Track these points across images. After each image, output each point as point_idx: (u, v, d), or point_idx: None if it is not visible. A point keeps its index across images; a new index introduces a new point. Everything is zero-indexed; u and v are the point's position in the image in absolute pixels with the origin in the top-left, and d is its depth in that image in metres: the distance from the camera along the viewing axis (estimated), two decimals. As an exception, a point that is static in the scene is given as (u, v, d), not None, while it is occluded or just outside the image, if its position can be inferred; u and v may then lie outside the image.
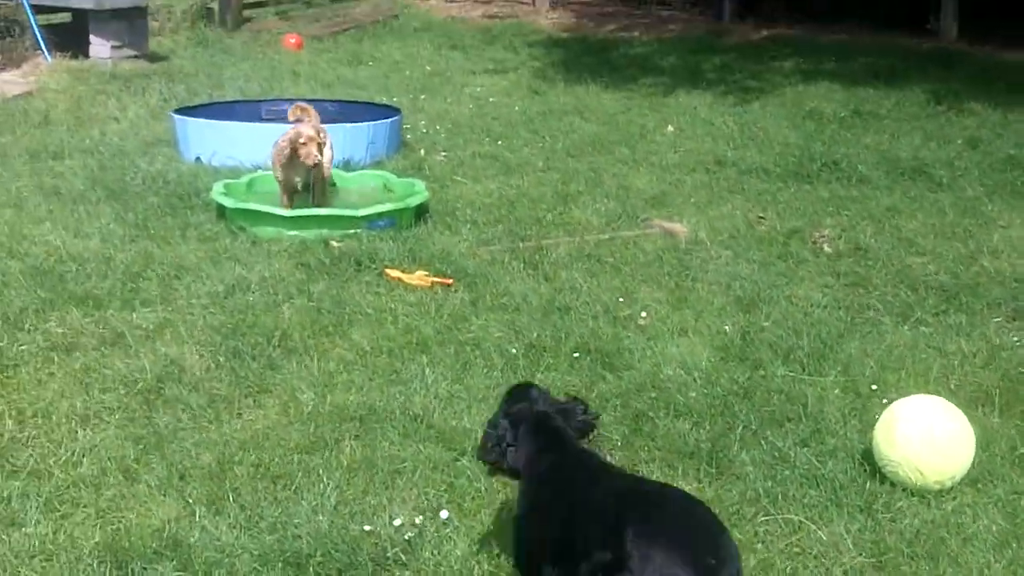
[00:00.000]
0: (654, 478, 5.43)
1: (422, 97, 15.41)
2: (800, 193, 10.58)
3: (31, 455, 5.53)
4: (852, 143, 12.62)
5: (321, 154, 9.01)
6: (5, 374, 6.36)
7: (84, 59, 16.10)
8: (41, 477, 5.33)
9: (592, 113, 14.34)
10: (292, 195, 9.18)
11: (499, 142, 12.62)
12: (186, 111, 11.89)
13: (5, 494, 5.17)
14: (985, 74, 16.05)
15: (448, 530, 4.94)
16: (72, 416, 5.90)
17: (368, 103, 13.47)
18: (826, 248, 8.90)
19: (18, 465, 5.42)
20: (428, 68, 17.63)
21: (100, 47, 16.36)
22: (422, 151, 12.07)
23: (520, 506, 4.28)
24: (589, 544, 3.61)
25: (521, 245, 8.70)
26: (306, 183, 9.33)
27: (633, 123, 13.81)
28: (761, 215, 9.71)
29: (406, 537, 4.88)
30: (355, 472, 5.41)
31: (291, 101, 12.19)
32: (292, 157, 9.01)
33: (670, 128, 13.47)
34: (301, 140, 8.96)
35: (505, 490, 5.26)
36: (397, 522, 4.98)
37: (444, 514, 5.05)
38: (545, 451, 4.28)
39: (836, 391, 6.36)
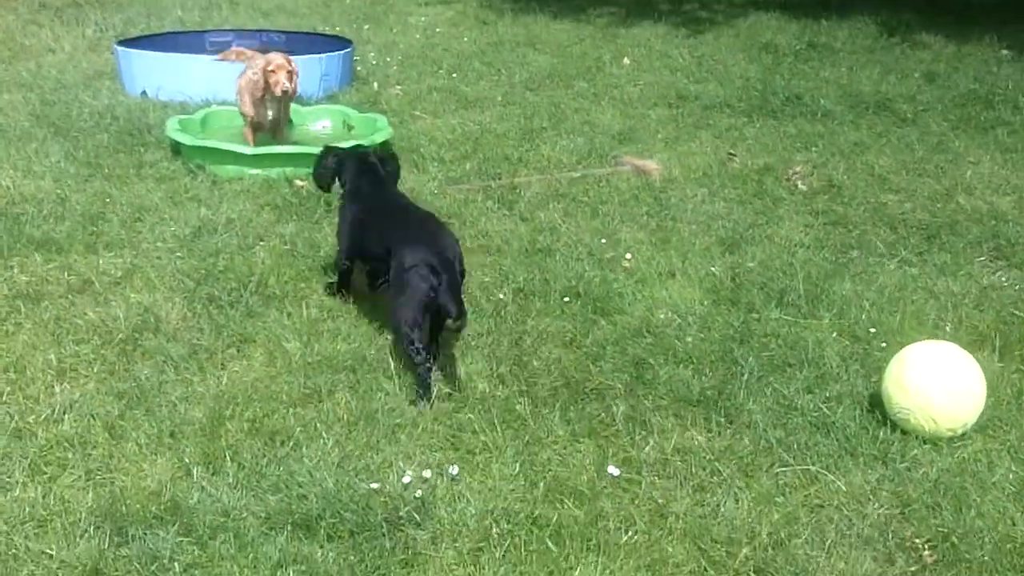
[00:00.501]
0: (664, 429, 5.39)
1: (366, 27, 15.13)
2: (766, 128, 10.46)
3: (8, 413, 5.28)
4: (811, 77, 12.48)
5: (291, 83, 8.65)
6: (-31, 328, 5.95)
7: (11, -12, 15.61)
8: (22, 436, 5.10)
9: (544, 45, 14.12)
10: (256, 131, 8.81)
11: (454, 75, 12.36)
12: (129, 43, 11.46)
13: (-17, 459, 4.84)
14: (933, 6, 15.95)
15: (460, 487, 4.79)
16: (47, 370, 5.64)
17: (316, 34, 13.14)
18: (800, 185, 8.77)
19: (-6, 426, 5.10)
20: (369, -4, 17.21)
21: (28, -25, 15.86)
22: (375, 84, 11.80)
23: (343, 220, 6.52)
24: (378, 244, 6.04)
25: (494, 184, 8.45)
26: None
27: (588, 55, 13.59)
28: (731, 152, 9.58)
29: (417, 495, 4.71)
30: (354, 426, 5.21)
31: (235, 32, 11.88)
32: (262, 90, 8.65)
33: (626, 61, 13.29)
34: (270, 68, 8.61)
35: (515, 443, 5.12)
36: (406, 479, 4.77)
37: (454, 469, 4.89)
38: (363, 182, 6.58)
39: (833, 335, 6.24)
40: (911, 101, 11.42)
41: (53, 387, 5.50)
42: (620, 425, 5.30)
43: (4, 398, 5.39)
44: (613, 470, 4.88)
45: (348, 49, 11.45)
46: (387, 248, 5.82)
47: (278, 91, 8.55)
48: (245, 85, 8.69)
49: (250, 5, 16.00)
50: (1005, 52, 13.54)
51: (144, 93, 10.52)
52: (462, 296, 5.60)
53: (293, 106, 9.55)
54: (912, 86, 12.00)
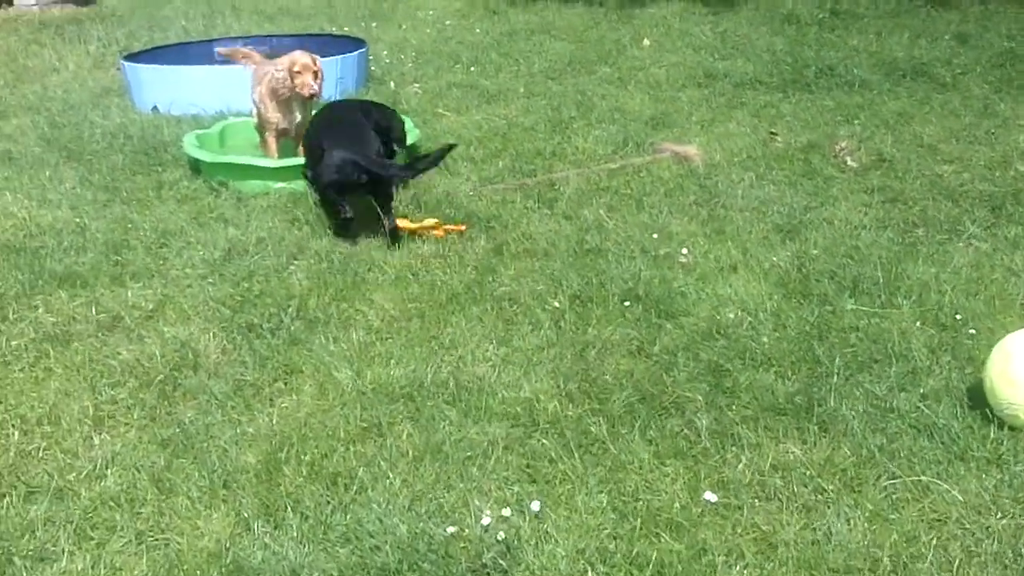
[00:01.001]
0: (755, 443, 4.99)
1: (374, 25, 14.71)
2: (803, 103, 10.04)
3: (46, 471, 4.85)
4: (840, 46, 12.07)
5: (317, 84, 8.18)
6: (-1, 375, 5.51)
7: (8, 7, 15.19)
8: (63, 497, 4.66)
9: (560, 31, 13.70)
10: (281, 137, 8.34)
11: (471, 69, 11.96)
12: (135, 57, 11.01)
13: (27, 521, 4.48)
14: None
15: (545, 525, 4.35)
16: (83, 419, 5.22)
17: (327, 35, 12.69)
18: (850, 162, 8.34)
19: (34, 485, 4.73)
20: (372, -7, 16.77)
21: (25, -7, 15.43)
22: (392, 84, 11.38)
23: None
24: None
25: (530, 182, 8.00)
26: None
27: (606, 39, 13.16)
28: (772, 131, 9.16)
29: (500, 537, 4.28)
30: (420, 462, 4.79)
31: (243, 39, 11.46)
32: (288, 92, 8.18)
33: (646, 42, 12.86)
34: (296, 68, 8.12)
35: (597, 469, 4.76)
36: (485, 520, 4.30)
37: (535, 505, 4.46)
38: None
39: (917, 324, 5.81)
40: (947, 65, 11.00)
41: (92, 438, 5.08)
42: (707, 442, 4.87)
43: (41, 454, 4.95)
44: (710, 496, 4.45)
45: (363, 49, 11.02)
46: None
47: (306, 92, 8.06)
48: (267, 91, 8.18)
49: (253, 10, 15.59)
50: (1036, 7, 12.98)
51: (155, 109, 10.11)
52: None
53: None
54: (945, 49, 11.58)
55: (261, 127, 8.39)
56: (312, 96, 8.16)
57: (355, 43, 11.45)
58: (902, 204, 7.56)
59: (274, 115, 8.27)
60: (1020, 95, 9.95)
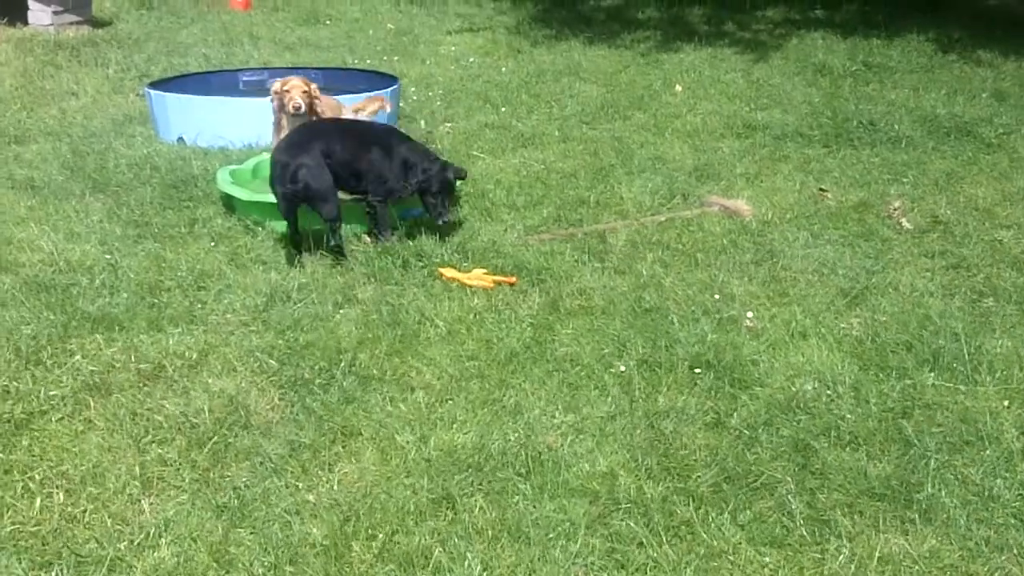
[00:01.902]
0: (853, 532, 4.68)
1: (395, 59, 14.40)
2: (848, 159, 9.81)
3: (94, 538, 4.52)
4: (878, 100, 11.82)
5: (306, 101, 8.05)
6: (35, 426, 5.30)
7: (23, 27, 14.83)
8: (117, 570, 4.29)
9: (588, 74, 13.44)
10: None
11: (502, 109, 11.67)
12: (159, 85, 10.66)
13: (82, 600, 4.05)
14: (979, 20, 15.34)
15: None
16: (130, 480, 4.88)
17: (355, 69, 12.38)
18: (905, 224, 8.08)
19: (83, 554, 4.39)
20: (391, 27, 16.66)
21: (40, 13, 15.20)
22: (423, 122, 11.08)
23: None
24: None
25: (578, 232, 7.68)
26: None
27: (636, 83, 12.92)
28: (822, 187, 8.89)
29: None
30: (497, 541, 4.48)
31: (269, 70, 11.21)
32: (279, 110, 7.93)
33: (678, 88, 12.60)
34: (286, 87, 8.13)
35: (689, 556, 4.46)
36: None
37: (627, 594, 4.02)
38: None
39: (1004, 403, 5.52)
40: (989, 124, 10.75)
41: (140, 502, 4.76)
42: (803, 529, 4.54)
43: (87, 518, 4.62)
44: (818, 593, 4.05)
45: (396, 86, 10.68)
46: None
47: (290, 108, 7.77)
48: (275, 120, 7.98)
49: (272, 39, 15.31)
50: (1067, 67, 12.79)
51: (181, 139, 9.80)
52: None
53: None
54: (984, 107, 11.37)
55: None
56: (296, 109, 8.10)
57: (387, 79, 11.06)
58: (965, 271, 7.29)
59: (272, 140, 8.03)
60: (1069, 159, 9.62)
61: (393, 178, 7.35)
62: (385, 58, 14.50)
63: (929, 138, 10.40)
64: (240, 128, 9.68)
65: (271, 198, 7.51)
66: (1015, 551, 4.45)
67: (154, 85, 10.70)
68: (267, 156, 8.65)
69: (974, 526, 4.62)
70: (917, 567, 4.36)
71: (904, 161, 9.69)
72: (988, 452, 5.13)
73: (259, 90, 10.49)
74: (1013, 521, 4.66)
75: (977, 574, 4.36)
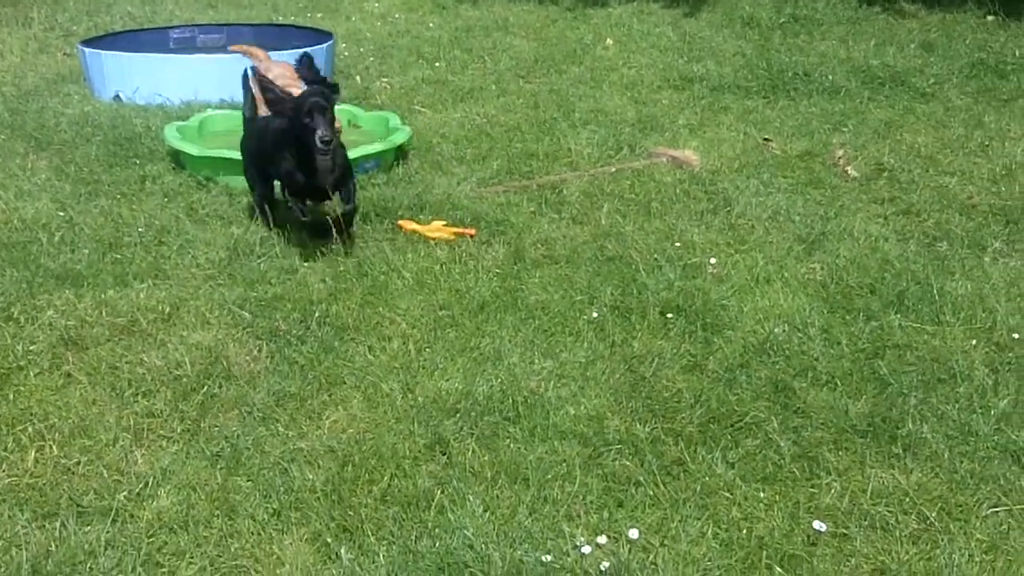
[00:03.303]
0: (841, 468, 4.80)
1: (319, 16, 14.35)
2: (788, 110, 9.97)
3: (93, 489, 4.53)
4: (809, 51, 12.03)
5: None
6: (15, 381, 5.31)
7: (-63, -13, 14.60)
8: (120, 519, 4.33)
9: (517, 28, 13.51)
10: None
11: (437, 64, 11.72)
12: (91, 43, 10.54)
13: (88, 547, 4.12)
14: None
15: (650, 556, 4.04)
16: (120, 432, 4.89)
17: (287, 26, 12.33)
18: (851, 172, 8.23)
19: (84, 505, 4.38)
20: (312, -18, 16.40)
21: (-45, -28, 14.85)
22: (358, 78, 11.09)
23: None
24: None
25: (534, 186, 7.77)
26: None
27: (567, 38, 12.99)
28: (767, 137, 8.99)
29: (603, 567, 3.99)
30: (495, 483, 4.51)
31: (199, 27, 11.11)
32: None
33: (610, 42, 12.69)
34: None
35: (687, 493, 4.59)
36: (586, 549, 4.01)
37: (633, 533, 4.18)
38: None
39: (972, 343, 5.63)
40: (921, 74, 10.98)
41: (134, 453, 4.78)
42: (792, 466, 4.62)
43: (82, 470, 4.60)
44: (819, 525, 4.17)
45: (330, 41, 10.65)
46: None
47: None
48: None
49: (193, -6, 15.08)
50: (990, 18, 13.08)
51: (117, 97, 9.71)
52: None
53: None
54: (914, 58, 11.60)
55: None
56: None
57: (320, 35, 11.03)
58: (915, 216, 7.45)
59: None
60: (1004, 108, 9.91)
61: None
62: (309, 15, 14.48)
63: (864, 88, 10.55)
64: (178, 85, 9.58)
65: (222, 153, 7.45)
66: (1000, 482, 4.58)
67: (87, 43, 10.54)
68: (211, 113, 8.61)
69: (958, 460, 4.73)
70: (908, 498, 4.46)
71: (842, 111, 9.83)
72: (962, 389, 5.26)
73: (189, 47, 10.41)
74: (995, 453, 4.79)
75: (966, 504, 4.46)
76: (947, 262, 6.64)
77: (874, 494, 4.52)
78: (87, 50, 10.17)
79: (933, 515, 4.40)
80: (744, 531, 4.28)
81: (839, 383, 5.30)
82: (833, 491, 4.54)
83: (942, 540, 4.25)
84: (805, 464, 4.72)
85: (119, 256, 6.61)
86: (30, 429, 4.92)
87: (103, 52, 10.05)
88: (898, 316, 5.96)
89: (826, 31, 12.95)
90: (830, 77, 10.77)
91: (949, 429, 4.95)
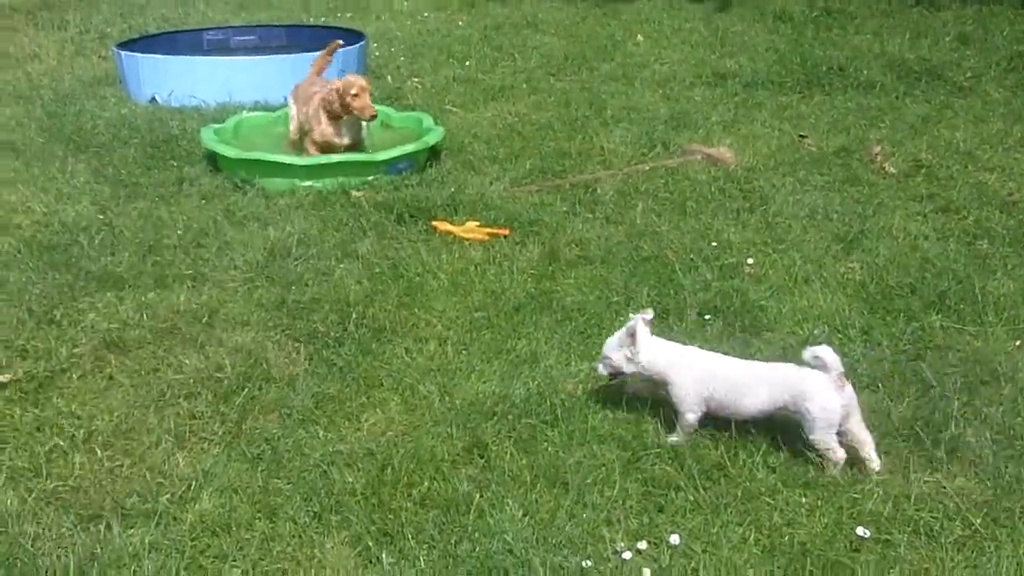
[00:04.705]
0: (880, 471, 4.72)
1: (348, 15, 14.36)
2: (823, 105, 9.90)
3: (136, 491, 4.55)
4: (842, 45, 11.96)
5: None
6: (59, 384, 5.34)
7: (-25, -8, 14.69)
8: (163, 522, 4.34)
9: (547, 25, 13.49)
10: (324, 152, 8.02)
11: (467, 63, 11.72)
12: (128, 46, 10.57)
13: (132, 550, 4.13)
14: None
15: (692, 562, 4.01)
16: (163, 435, 4.92)
17: (318, 27, 12.37)
18: (889, 168, 8.15)
19: (128, 507, 4.41)
20: (341, -18, 16.41)
21: (-9, -23, 14.94)
22: (389, 78, 11.09)
23: None
24: None
25: (567, 185, 7.73)
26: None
27: (597, 34, 12.98)
28: (802, 134, 8.93)
29: (644, 573, 3.93)
30: (534, 487, 4.50)
31: (232, 29, 11.17)
32: (341, 111, 7.87)
33: (640, 38, 12.60)
34: (353, 91, 7.84)
35: (727, 499, 4.54)
36: (627, 555, 3.98)
37: (675, 539, 4.14)
38: None
39: (1016, 343, 5.64)
40: (958, 67, 10.89)
41: (175, 456, 4.80)
42: (834, 470, 4.50)
43: (126, 472, 4.63)
44: (862, 531, 4.12)
45: (363, 42, 10.65)
46: None
47: (367, 115, 7.79)
48: (317, 108, 7.88)
49: (224, -2, 15.12)
50: (1026, 10, 12.92)
51: (153, 99, 9.72)
52: None
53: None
54: (950, 51, 11.52)
55: (304, 136, 8.05)
56: (373, 118, 7.87)
57: (353, 35, 11.03)
58: (955, 214, 7.38)
59: (327, 129, 7.91)
60: (1043, 102, 9.74)
61: None
62: (339, 15, 14.49)
63: (900, 82, 10.49)
64: (213, 87, 9.60)
65: (258, 155, 7.46)
66: (1045, 488, 4.48)
67: (123, 46, 10.57)
68: (248, 115, 8.63)
69: (1003, 464, 4.67)
70: (952, 504, 4.40)
71: (878, 106, 9.77)
72: (1006, 391, 5.21)
73: (224, 49, 10.44)
74: (1043, 460, 4.68)
75: (1012, 510, 4.40)
76: (988, 261, 6.56)
77: (918, 500, 4.46)
78: (123, 53, 10.17)
79: (978, 521, 4.33)
80: (786, 537, 4.24)
81: (881, 385, 5.24)
82: (876, 496, 4.48)
83: (988, 547, 4.18)
84: (847, 468, 4.62)
85: (158, 258, 6.64)
86: (74, 432, 4.93)
87: (139, 55, 10.06)
88: (939, 316, 5.89)
89: (860, 25, 12.85)
90: (865, 72, 10.67)
91: (993, 433, 4.89)
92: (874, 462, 4.63)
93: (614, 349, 4.99)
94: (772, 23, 13.03)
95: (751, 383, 4.82)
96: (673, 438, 4.86)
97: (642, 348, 4.91)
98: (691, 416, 4.87)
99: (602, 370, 5.05)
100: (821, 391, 4.62)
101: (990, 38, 11.91)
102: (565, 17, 13.74)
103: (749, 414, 4.83)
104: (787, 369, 4.82)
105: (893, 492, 4.50)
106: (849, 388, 4.58)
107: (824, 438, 4.60)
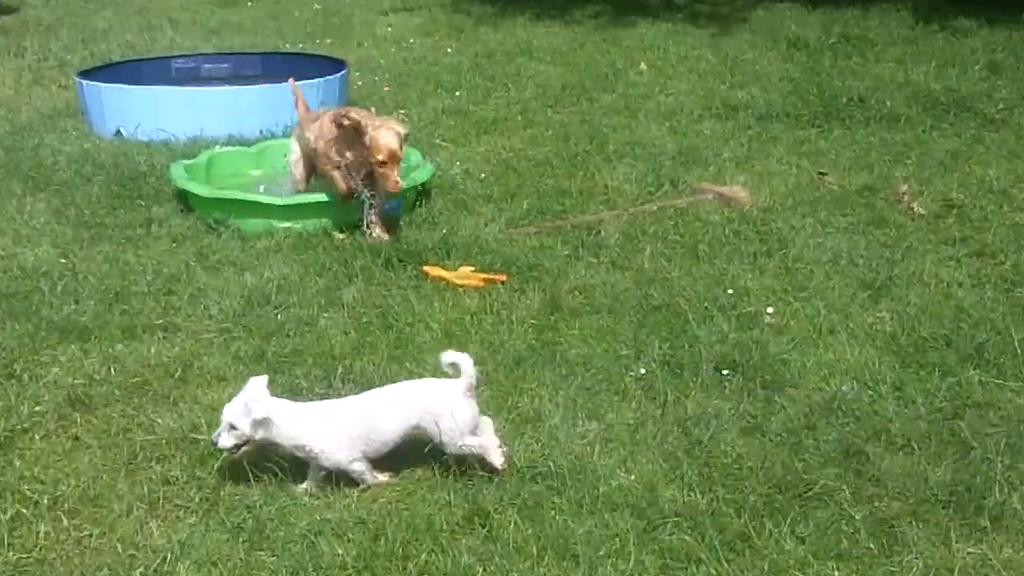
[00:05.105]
0: (921, 543, 4.69)
1: (328, 41, 14.37)
2: (843, 140, 9.93)
3: (106, 565, 4.51)
4: (862, 75, 12.01)
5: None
6: (20, 445, 5.31)
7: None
8: (135, 598, 4.19)
9: (542, 53, 13.54)
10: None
11: (457, 93, 11.76)
12: (89, 75, 10.56)
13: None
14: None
15: None
16: (134, 502, 4.88)
17: (294, 54, 12.36)
18: (918, 209, 8.17)
19: (98, 585, 4.27)
20: (318, 6, 16.56)
21: (-57, 3, 14.97)
22: (373, 109, 10.95)
23: None
24: None
25: (568, 227, 7.73)
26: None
27: (596, 62, 13.03)
28: (822, 171, 8.95)
29: None
30: (541, 560, 4.45)
31: (203, 56, 11.21)
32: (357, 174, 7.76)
33: (643, 66, 12.64)
34: (380, 157, 7.55)
35: (752, 573, 4.48)
36: None
37: (696, 619, 4.03)
38: None
39: (1061, 401, 5.48)
40: (988, 98, 10.91)
41: (148, 524, 4.75)
42: (869, 542, 4.55)
43: (94, 543, 4.59)
44: (905, 611, 4.08)
45: (344, 71, 10.65)
46: None
47: (392, 189, 7.55)
48: (334, 171, 7.76)
49: (192, 23, 15.32)
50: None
51: (119, 132, 9.71)
52: None
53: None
54: (980, 80, 11.57)
55: (324, 166, 7.90)
56: (396, 192, 7.67)
57: (333, 63, 11.04)
58: (991, 258, 7.39)
59: (337, 158, 7.78)
60: (1080, 136, 9.77)
61: None
62: (318, 40, 14.54)
63: (926, 115, 10.52)
64: (183, 119, 9.60)
65: (234, 195, 7.44)
66: (1100, 559, 4.45)
67: (85, 75, 10.58)
68: (220, 150, 8.61)
69: (1051, 532, 4.60)
70: (1000, 578, 4.35)
71: (904, 140, 9.80)
72: (1050, 454, 5.13)
73: (194, 78, 10.44)
74: (1093, 528, 4.65)
75: (1066, 585, 4.34)
76: (1025, 311, 6.51)
77: (960, 572, 4.43)
78: (85, 82, 10.16)
79: (1028, 598, 4.26)
80: (819, 616, 4.15)
81: (916, 447, 5.23)
82: (915, 569, 4.48)
83: (1040, 628, 4.11)
84: (883, 539, 4.65)
85: (126, 307, 6.66)
86: (38, 499, 4.89)
87: (102, 84, 10.06)
88: (977, 371, 5.88)
89: (880, 52, 12.90)
90: (888, 103, 10.71)
91: (1045, 500, 4.81)
92: (499, 462, 4.89)
93: (239, 416, 4.91)
94: (786, 50, 13.07)
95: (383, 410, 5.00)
96: (303, 486, 4.97)
97: (272, 413, 4.88)
98: (358, 465, 5.00)
99: (224, 442, 4.94)
100: (453, 402, 4.82)
101: (1022, 66, 11.86)
102: (562, 43, 13.76)
103: (393, 441, 4.99)
104: (413, 386, 5.08)
105: (934, 564, 4.46)
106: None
107: (461, 450, 4.84)
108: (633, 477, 5.02)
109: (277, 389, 5.44)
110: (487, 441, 4.92)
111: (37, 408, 5.55)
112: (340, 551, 4.53)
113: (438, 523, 4.68)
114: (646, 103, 11.11)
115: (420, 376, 5.63)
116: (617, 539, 4.61)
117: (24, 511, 4.77)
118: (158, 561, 4.51)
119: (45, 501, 4.86)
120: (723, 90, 11.48)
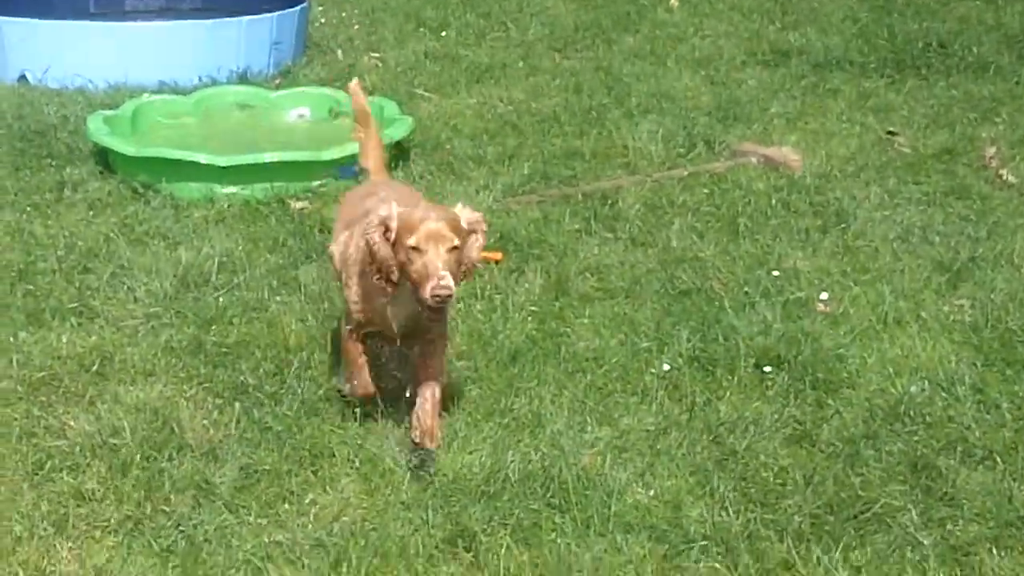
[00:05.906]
0: (1000, 569, 4.76)
1: (285, -31, 14.28)
2: (918, 93, 10.01)
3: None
4: (945, 15, 12.11)
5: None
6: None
7: None
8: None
9: (550, -17, 13.45)
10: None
11: (443, 34, 11.85)
12: (-12, 7, 10.65)
13: None
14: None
15: None
16: (40, 520, 4.93)
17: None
18: (1008, 177, 8.24)
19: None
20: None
21: None
22: (339, 52, 11.12)
23: None
24: None
25: (578, 195, 7.79)
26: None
27: (618, -3, 12.95)
28: (892, 130, 9.00)
29: None
30: (542, 592, 4.46)
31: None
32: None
33: (674, 2, 12.67)
34: (412, 242, 5.58)
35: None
36: None
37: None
38: None
39: None
40: (1097, 46, 10.83)
41: (57, 548, 4.78)
42: (940, 572, 4.61)
43: (-3, 567, 4.56)
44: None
45: (303, 5, 10.70)
46: None
47: (429, 300, 6.11)
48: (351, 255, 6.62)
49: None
50: None
51: (23, 77, 9.74)
52: None
53: (257, 91, 8.86)
54: (1086, 23, 11.44)
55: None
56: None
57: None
58: (1097, 237, 7.37)
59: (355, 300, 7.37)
60: None
61: None
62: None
63: (1020, 63, 10.58)
64: (103, 62, 9.66)
65: (164, 153, 7.53)
66: None
67: (-17, 8, 10.64)
68: (151, 99, 8.70)
69: None
70: (1097, 617, 4.44)
71: (992, 94, 9.90)
72: None
73: (116, 12, 10.48)
74: None
75: None
76: None
77: (1046, 608, 4.47)
78: (-20, 17, 10.21)
79: None
80: (877, 660, 4.25)
81: (999, 460, 5.31)
82: (992, 604, 4.49)
83: None
84: (956, 568, 4.72)
85: (31, 287, 6.75)
86: (-85, 522, 4.84)
87: (2, 19, 10.07)
88: (1075, 372, 5.91)
89: (968, -12, 12.92)
90: (974, 50, 10.82)
91: None
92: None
93: None
94: (854, -16, 13.05)
95: None
96: None
97: None
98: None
99: None
100: None
101: None
102: (574, -26, 13.78)
103: None
104: None
105: (1018, 600, 4.49)
106: None
107: None
108: (652, 493, 5.06)
109: (221, 387, 5.53)
110: None
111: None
112: (292, 578, 4.55)
113: (413, 547, 4.74)
114: (677, 47, 11.20)
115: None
116: (632, 567, 4.67)
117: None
118: (72, 586, 4.50)
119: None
120: (772, 32, 11.56)
